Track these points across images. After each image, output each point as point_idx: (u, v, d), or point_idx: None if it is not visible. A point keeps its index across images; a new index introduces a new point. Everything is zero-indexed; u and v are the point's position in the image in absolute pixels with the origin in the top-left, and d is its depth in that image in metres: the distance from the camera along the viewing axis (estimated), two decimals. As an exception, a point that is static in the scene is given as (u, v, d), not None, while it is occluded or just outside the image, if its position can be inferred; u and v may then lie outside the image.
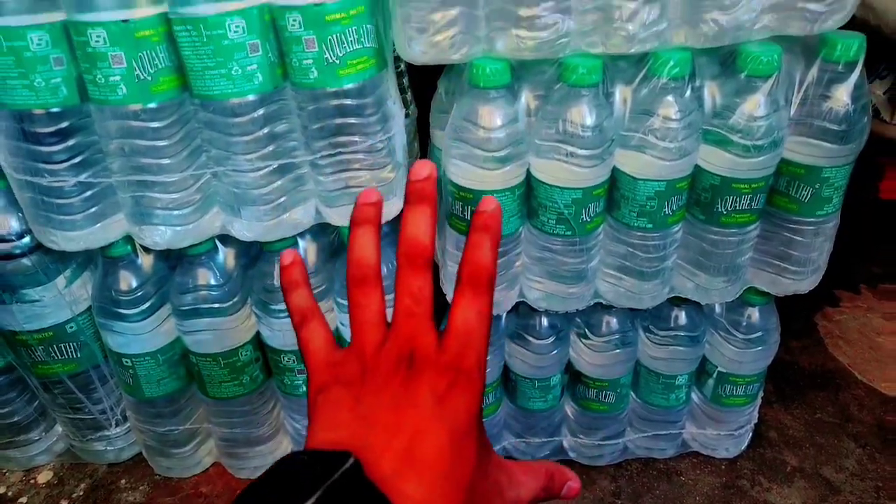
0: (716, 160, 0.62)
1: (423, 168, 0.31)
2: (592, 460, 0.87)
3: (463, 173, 0.62)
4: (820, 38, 0.58)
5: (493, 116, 0.59)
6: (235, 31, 0.58)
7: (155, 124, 0.62)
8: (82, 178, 0.66)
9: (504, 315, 0.77)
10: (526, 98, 0.61)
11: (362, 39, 0.60)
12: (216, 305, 0.75)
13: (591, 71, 0.57)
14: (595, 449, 0.86)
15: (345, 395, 0.27)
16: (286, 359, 0.79)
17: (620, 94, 0.60)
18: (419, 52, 0.59)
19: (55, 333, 0.79)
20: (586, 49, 0.58)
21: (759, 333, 0.75)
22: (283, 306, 0.74)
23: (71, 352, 0.81)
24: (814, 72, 0.59)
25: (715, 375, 0.79)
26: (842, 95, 0.59)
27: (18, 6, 0.58)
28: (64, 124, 0.63)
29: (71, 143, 0.64)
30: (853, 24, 0.58)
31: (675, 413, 0.83)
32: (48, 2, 0.58)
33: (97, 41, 0.58)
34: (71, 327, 0.80)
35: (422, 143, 0.85)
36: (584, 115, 0.58)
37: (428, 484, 0.24)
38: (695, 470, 0.87)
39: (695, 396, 0.84)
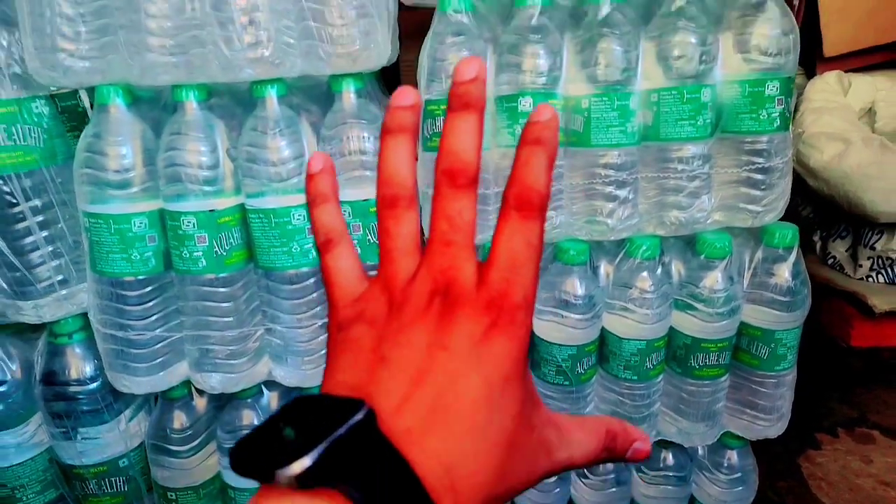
0: (686, 324, 0.75)
1: (470, 67, 0.26)
2: None
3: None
4: (762, 228, 0.73)
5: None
6: (297, 219, 0.73)
7: (225, 290, 0.76)
8: (157, 332, 0.79)
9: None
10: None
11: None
12: (257, 443, 0.85)
13: (580, 253, 0.71)
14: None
15: (367, 334, 0.24)
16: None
17: (604, 269, 0.74)
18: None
19: (109, 468, 0.88)
20: (575, 235, 0.72)
21: (739, 474, 0.84)
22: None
23: (120, 485, 0.90)
24: (759, 254, 0.74)
25: (703, 513, 0.87)
26: (783, 273, 0.73)
27: (127, 197, 0.74)
28: (148, 289, 0.77)
29: (151, 303, 0.78)
30: (810, 193, 0.73)
31: (669, 550, 0.90)
32: (150, 194, 0.74)
33: (187, 225, 0.73)
34: (123, 462, 0.89)
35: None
36: (576, 287, 0.72)
37: (457, 438, 0.21)
38: None
39: (687, 534, 0.91)
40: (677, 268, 0.75)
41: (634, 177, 0.70)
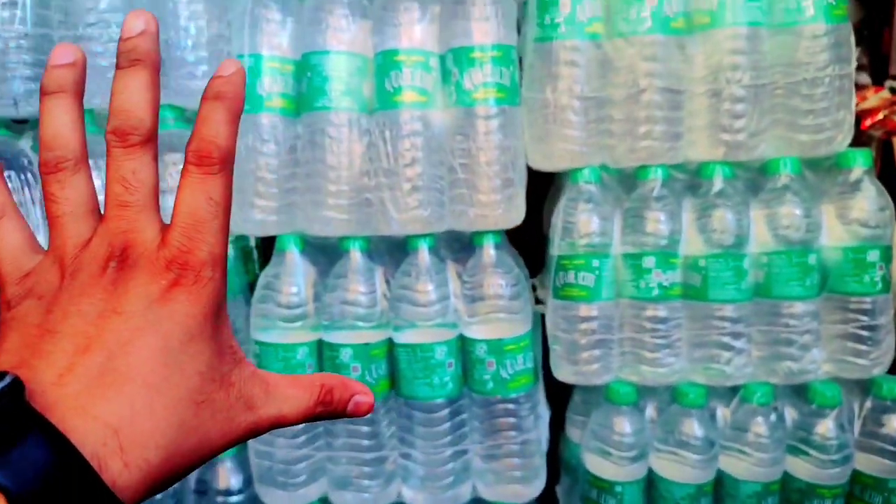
0: (800, 469, 0.79)
1: (137, 21, 0.26)
2: None
3: (599, 466, 0.81)
4: (871, 380, 0.79)
5: (624, 425, 0.80)
6: (440, 354, 0.83)
7: (370, 416, 0.85)
8: (305, 450, 0.87)
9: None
10: (651, 412, 0.82)
11: (527, 361, 0.84)
12: (381, 563, 0.91)
13: (698, 396, 0.78)
14: None
15: (35, 309, 0.24)
16: None
17: (721, 412, 0.80)
18: (569, 375, 0.81)
19: (240, 578, 0.94)
20: (693, 379, 0.79)
21: None
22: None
23: None
24: (868, 404, 0.79)
25: None
26: (893, 424, 0.77)
27: (294, 329, 0.85)
28: (302, 410, 0.87)
29: (301, 425, 0.87)
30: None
31: None
32: (313, 327, 0.86)
33: (344, 356, 0.84)
34: (253, 573, 0.95)
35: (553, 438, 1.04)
36: (694, 428, 0.78)
37: (128, 398, 0.22)
38: None
39: None
40: (791, 414, 0.80)
41: (749, 329, 0.77)
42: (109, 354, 0.22)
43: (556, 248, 0.80)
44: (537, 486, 0.87)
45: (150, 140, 0.26)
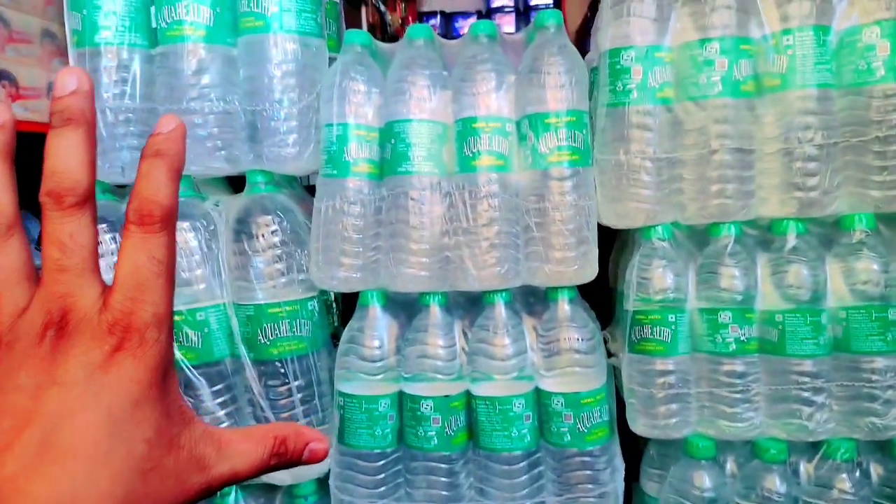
0: (890, 527, 0.78)
1: (69, 78, 0.25)
2: None
3: (679, 521, 0.81)
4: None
5: (703, 480, 0.80)
6: (518, 407, 0.85)
7: (449, 466, 0.88)
8: (388, 500, 0.90)
9: None
10: (731, 466, 0.82)
11: (603, 414, 0.86)
12: None
13: (780, 452, 0.78)
14: None
15: None
16: None
17: (804, 469, 0.80)
18: (647, 430, 0.83)
19: None
20: (774, 435, 0.80)
21: None
22: None
23: None
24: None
25: None
26: None
27: (377, 382, 0.89)
28: (383, 462, 0.90)
29: (384, 475, 0.90)
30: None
31: None
32: (394, 380, 0.90)
33: (425, 408, 0.87)
34: None
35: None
36: (776, 484, 0.78)
37: (71, 474, 0.21)
38: None
39: None
40: (876, 470, 0.80)
41: (829, 384, 0.77)
42: (49, 429, 0.22)
43: (631, 303, 0.83)
44: (614, 538, 0.88)
45: (87, 200, 0.25)
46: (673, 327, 0.80)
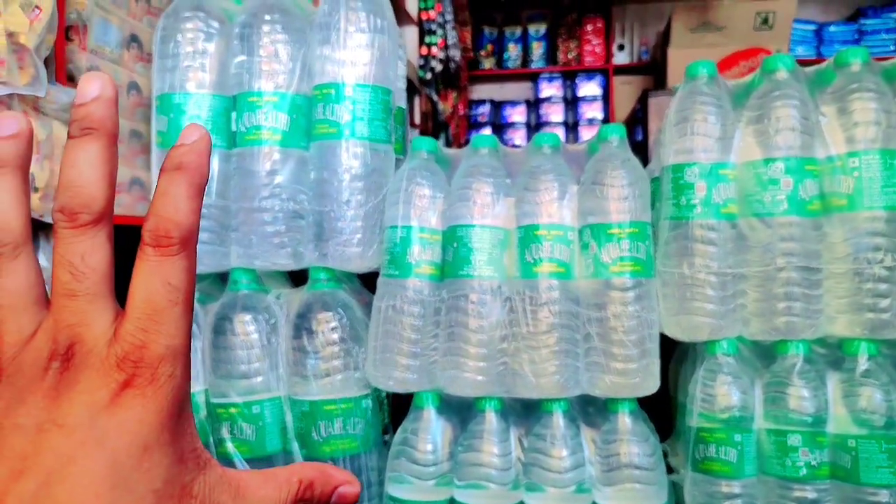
0: None
1: (92, 84, 0.23)
2: None
3: None
4: None
5: None
6: None
7: (501, 581, 0.84)
8: None
9: None
10: None
11: (664, 536, 0.82)
12: None
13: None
14: None
15: None
16: None
17: None
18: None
19: None
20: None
21: None
22: None
23: None
24: None
25: None
26: None
27: (428, 488, 0.87)
28: None
29: None
30: None
31: None
32: (447, 484, 0.88)
33: None
34: None
35: None
36: None
37: None
38: None
39: None
40: None
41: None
42: (47, 478, 0.20)
43: (695, 419, 0.81)
44: None
45: (103, 219, 0.23)
46: (739, 447, 0.78)
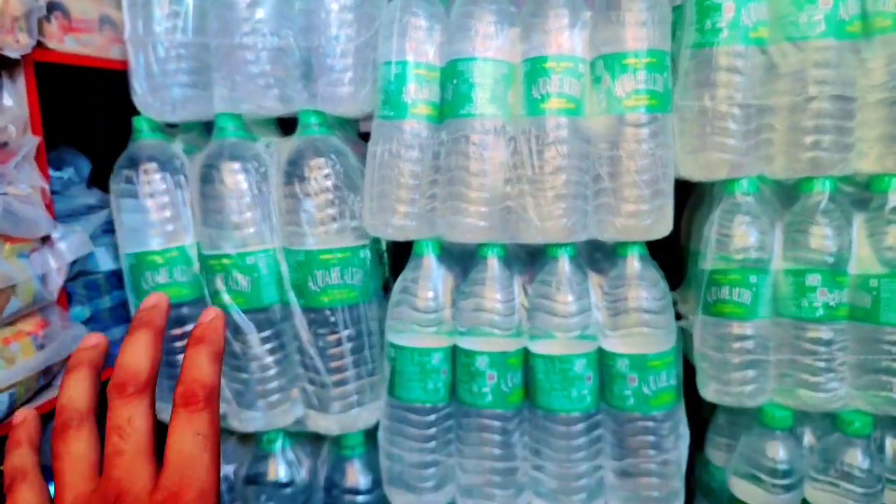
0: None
1: (152, 298, 0.31)
2: None
3: (748, 492, 0.77)
4: None
5: (779, 451, 0.75)
6: (579, 367, 0.81)
7: (504, 424, 0.84)
8: (436, 456, 0.88)
9: None
10: (808, 439, 0.77)
11: (670, 378, 0.81)
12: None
13: (864, 426, 0.73)
14: None
15: None
16: None
17: (890, 445, 0.75)
18: (718, 396, 0.78)
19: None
20: (857, 407, 0.74)
21: None
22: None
23: None
24: None
25: None
26: None
27: (431, 334, 0.85)
28: (434, 416, 0.87)
29: (435, 430, 0.87)
30: None
31: None
32: (448, 333, 0.86)
33: (480, 363, 0.83)
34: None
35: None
36: (858, 459, 0.73)
37: None
38: None
39: None
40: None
41: (926, 356, 0.71)
42: None
43: (709, 261, 0.77)
44: (678, 508, 0.84)
45: (146, 389, 0.28)
46: (754, 289, 0.74)
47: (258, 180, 0.89)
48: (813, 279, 0.72)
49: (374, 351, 0.92)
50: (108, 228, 0.96)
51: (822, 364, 0.72)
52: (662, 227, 0.78)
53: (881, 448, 0.75)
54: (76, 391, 0.28)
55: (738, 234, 0.75)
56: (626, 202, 0.78)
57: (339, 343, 0.89)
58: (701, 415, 0.92)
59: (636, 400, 0.80)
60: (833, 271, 0.72)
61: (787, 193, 0.78)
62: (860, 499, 0.72)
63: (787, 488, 0.74)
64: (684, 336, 0.85)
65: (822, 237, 0.72)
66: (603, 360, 0.82)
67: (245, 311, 0.89)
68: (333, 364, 0.90)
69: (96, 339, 0.31)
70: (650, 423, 0.81)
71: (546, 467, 0.84)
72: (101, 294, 0.93)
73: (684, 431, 0.83)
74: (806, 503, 0.76)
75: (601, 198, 0.79)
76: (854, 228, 0.74)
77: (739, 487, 0.78)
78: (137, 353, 0.28)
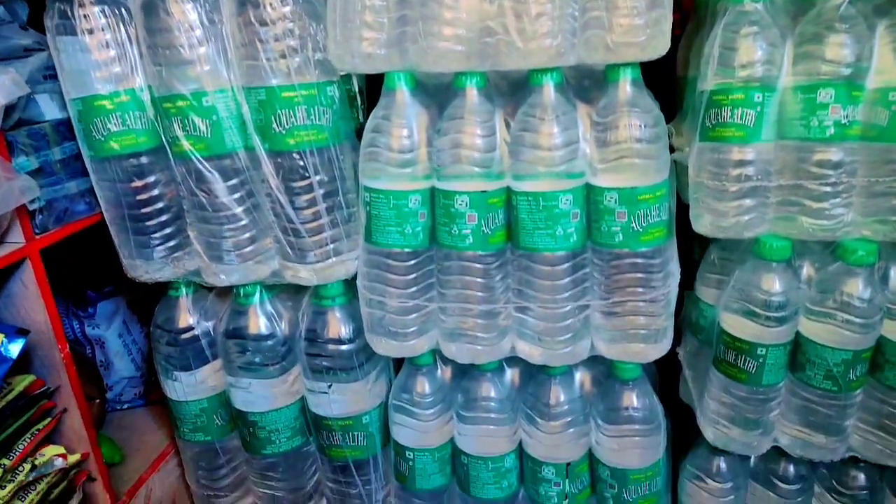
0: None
1: None
2: None
3: (740, 327, 0.74)
4: None
5: (774, 283, 0.71)
6: (565, 204, 0.75)
7: (486, 266, 0.80)
8: (417, 301, 0.84)
9: (752, 457, 0.85)
10: (807, 270, 0.73)
11: (661, 213, 0.75)
12: (493, 415, 0.89)
13: (868, 254, 0.68)
14: None
15: None
16: (545, 470, 0.90)
17: (894, 273, 0.70)
18: (713, 228, 0.73)
19: (354, 422, 0.96)
20: (864, 235, 0.69)
21: None
22: (552, 422, 0.87)
23: (360, 439, 0.98)
24: None
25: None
26: None
27: (407, 176, 0.79)
28: (414, 261, 0.83)
29: (415, 275, 0.83)
30: None
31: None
32: (426, 174, 0.80)
33: (460, 204, 0.78)
34: (366, 419, 0.97)
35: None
36: (859, 289, 0.69)
37: None
38: None
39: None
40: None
41: (943, 176, 0.65)
42: None
43: (710, 81, 0.69)
44: (663, 347, 0.81)
45: None
46: (758, 108, 0.67)
47: (208, 10, 0.80)
48: (825, 94, 0.65)
49: (349, 197, 0.86)
50: (51, 74, 0.87)
51: (827, 189, 0.67)
52: (659, 43, 0.69)
53: (885, 279, 0.71)
54: None
55: (743, 47, 0.66)
56: (618, 15, 0.69)
57: (310, 189, 0.84)
58: (691, 257, 0.88)
59: (625, 236, 0.75)
60: (849, 84, 0.65)
61: (801, 5, 0.68)
62: (858, 330, 0.69)
63: (781, 321, 0.71)
64: (678, 171, 0.79)
65: (839, 45, 0.64)
66: (590, 195, 0.77)
67: (207, 159, 0.83)
68: (306, 212, 0.85)
69: None
70: (639, 260, 0.76)
71: (530, 309, 0.81)
72: (50, 145, 0.85)
73: (675, 269, 0.79)
74: (800, 336, 0.73)
75: (591, 12, 0.70)
76: (876, 36, 0.65)
77: (731, 322, 0.75)
78: None
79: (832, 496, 0.82)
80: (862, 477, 0.81)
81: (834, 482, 0.81)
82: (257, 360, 0.94)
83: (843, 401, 0.73)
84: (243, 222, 0.87)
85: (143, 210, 0.88)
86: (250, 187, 0.86)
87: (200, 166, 0.83)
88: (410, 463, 0.94)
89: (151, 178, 0.88)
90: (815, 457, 0.78)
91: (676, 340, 0.92)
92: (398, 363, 0.98)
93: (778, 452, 0.81)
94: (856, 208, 0.68)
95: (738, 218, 0.70)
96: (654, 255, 0.76)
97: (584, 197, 0.76)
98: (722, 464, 0.83)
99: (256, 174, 0.85)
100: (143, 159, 0.87)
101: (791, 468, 0.82)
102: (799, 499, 0.82)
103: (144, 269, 0.92)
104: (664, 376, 0.99)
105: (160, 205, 0.89)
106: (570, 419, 0.87)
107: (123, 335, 1.25)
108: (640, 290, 0.78)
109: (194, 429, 1.03)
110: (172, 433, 1.09)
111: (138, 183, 0.87)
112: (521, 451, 0.93)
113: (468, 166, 0.76)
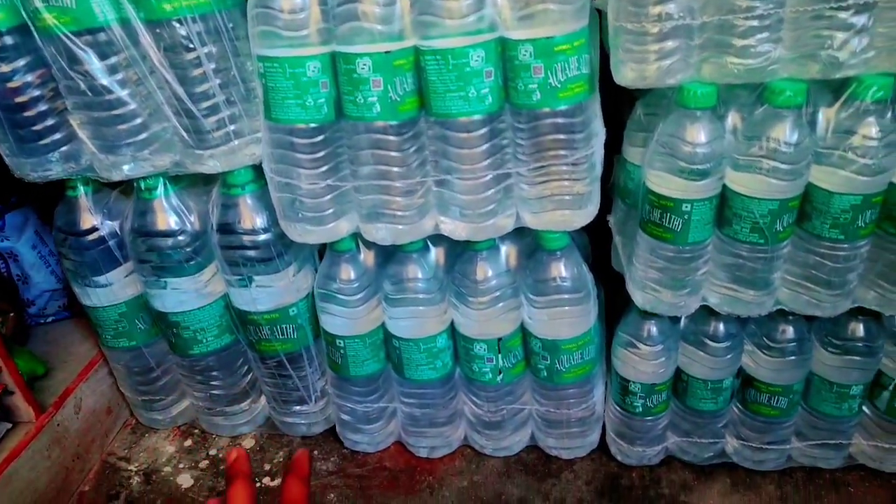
0: (911, 177, 0.66)
1: (233, 452, 0.43)
2: (756, 465, 0.91)
3: (664, 183, 0.70)
4: None
5: (699, 134, 0.67)
6: (476, 61, 0.69)
7: (397, 138, 0.74)
8: (329, 181, 0.78)
9: (682, 318, 0.84)
10: (732, 119, 0.68)
11: (581, 67, 0.69)
12: (422, 296, 0.86)
13: (797, 94, 0.63)
14: (759, 453, 0.89)
15: None
16: (477, 347, 0.88)
17: (823, 115, 0.66)
18: (634, 78, 0.67)
19: (280, 315, 0.92)
20: (793, 74, 0.64)
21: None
22: (480, 298, 0.84)
23: (290, 332, 0.94)
24: None
25: (891, 388, 0.82)
26: None
27: (301, 41, 0.71)
28: (321, 137, 0.76)
29: (323, 153, 0.77)
30: None
31: (845, 423, 0.86)
32: (324, 38, 0.71)
33: (363, 69, 0.70)
34: (293, 311, 0.93)
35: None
36: (786, 133, 0.64)
37: None
38: (863, 483, 0.89)
39: (867, 409, 0.86)
40: (907, 113, 0.66)
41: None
42: None
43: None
44: (589, 213, 0.77)
45: None
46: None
47: None
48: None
49: (245, 72, 0.78)
50: None
51: (754, 22, 0.61)
52: None
53: (813, 123, 0.66)
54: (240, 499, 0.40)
55: None
56: None
57: (198, 63, 0.75)
58: (620, 119, 0.83)
59: (543, 94, 0.69)
60: None
61: None
62: (785, 177, 0.66)
63: (706, 174, 0.67)
64: (601, 20, 0.72)
65: None
66: (505, 51, 0.70)
67: (76, 34, 0.74)
68: (197, 89, 0.77)
69: (236, 452, 0.44)
70: (559, 120, 0.71)
71: (449, 181, 0.76)
72: None
73: (599, 128, 0.74)
74: (726, 189, 0.70)
75: None
76: None
77: (655, 179, 0.70)
78: (238, 497, 0.40)
79: (762, 352, 0.81)
80: (791, 330, 0.80)
81: (763, 338, 0.81)
82: (170, 258, 0.89)
83: (770, 253, 0.70)
84: (131, 107, 0.79)
85: (17, 99, 0.79)
86: (134, 68, 0.77)
87: (70, 43, 0.74)
88: (342, 351, 0.92)
89: (20, 63, 0.78)
90: (743, 312, 0.76)
91: (606, 208, 0.89)
92: (323, 253, 0.93)
93: (708, 312, 0.80)
94: (784, 44, 0.62)
95: (659, 63, 0.64)
96: (574, 112, 0.71)
97: (497, 54, 0.69)
98: (653, 328, 0.82)
99: (137, 51, 0.76)
100: (6, 40, 0.76)
101: (721, 326, 0.81)
102: (729, 356, 0.82)
103: (31, 167, 0.84)
104: (599, 247, 0.97)
105: (36, 93, 0.79)
106: (498, 294, 0.84)
107: (38, 246, 1.17)
108: (563, 152, 0.73)
109: (116, 335, 0.98)
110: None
111: (5, 68, 0.77)
112: (453, 331, 0.91)
113: (367, 24, 0.68)
